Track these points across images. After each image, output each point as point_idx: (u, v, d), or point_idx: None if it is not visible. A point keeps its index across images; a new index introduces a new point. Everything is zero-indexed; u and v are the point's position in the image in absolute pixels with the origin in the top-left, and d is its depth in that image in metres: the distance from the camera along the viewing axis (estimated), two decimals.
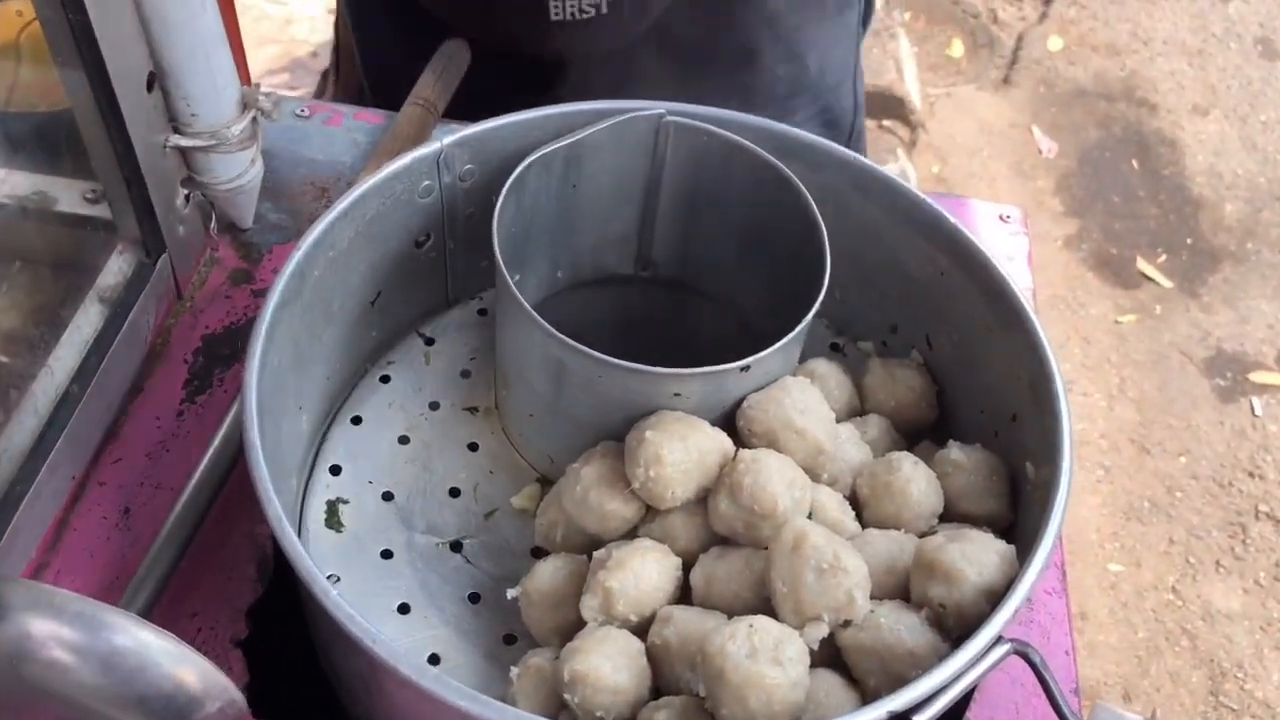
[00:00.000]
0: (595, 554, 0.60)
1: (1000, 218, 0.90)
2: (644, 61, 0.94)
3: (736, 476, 0.58)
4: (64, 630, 0.50)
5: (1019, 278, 0.85)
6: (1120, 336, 2.21)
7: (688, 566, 0.60)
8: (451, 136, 0.68)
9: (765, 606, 0.56)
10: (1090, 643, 1.82)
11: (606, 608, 0.57)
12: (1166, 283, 2.29)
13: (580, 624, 0.58)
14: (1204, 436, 2.07)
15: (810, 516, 0.60)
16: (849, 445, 0.66)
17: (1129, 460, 2.04)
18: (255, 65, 2.33)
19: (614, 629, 0.57)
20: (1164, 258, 2.33)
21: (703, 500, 0.61)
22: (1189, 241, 2.37)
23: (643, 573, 0.58)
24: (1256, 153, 2.54)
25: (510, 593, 0.61)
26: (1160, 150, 2.54)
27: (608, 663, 0.54)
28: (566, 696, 0.54)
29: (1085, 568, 1.90)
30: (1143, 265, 2.31)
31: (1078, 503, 1.97)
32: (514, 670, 0.58)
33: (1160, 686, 1.78)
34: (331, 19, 1.72)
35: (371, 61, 1.10)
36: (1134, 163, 2.51)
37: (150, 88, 0.67)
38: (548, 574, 0.61)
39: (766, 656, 0.52)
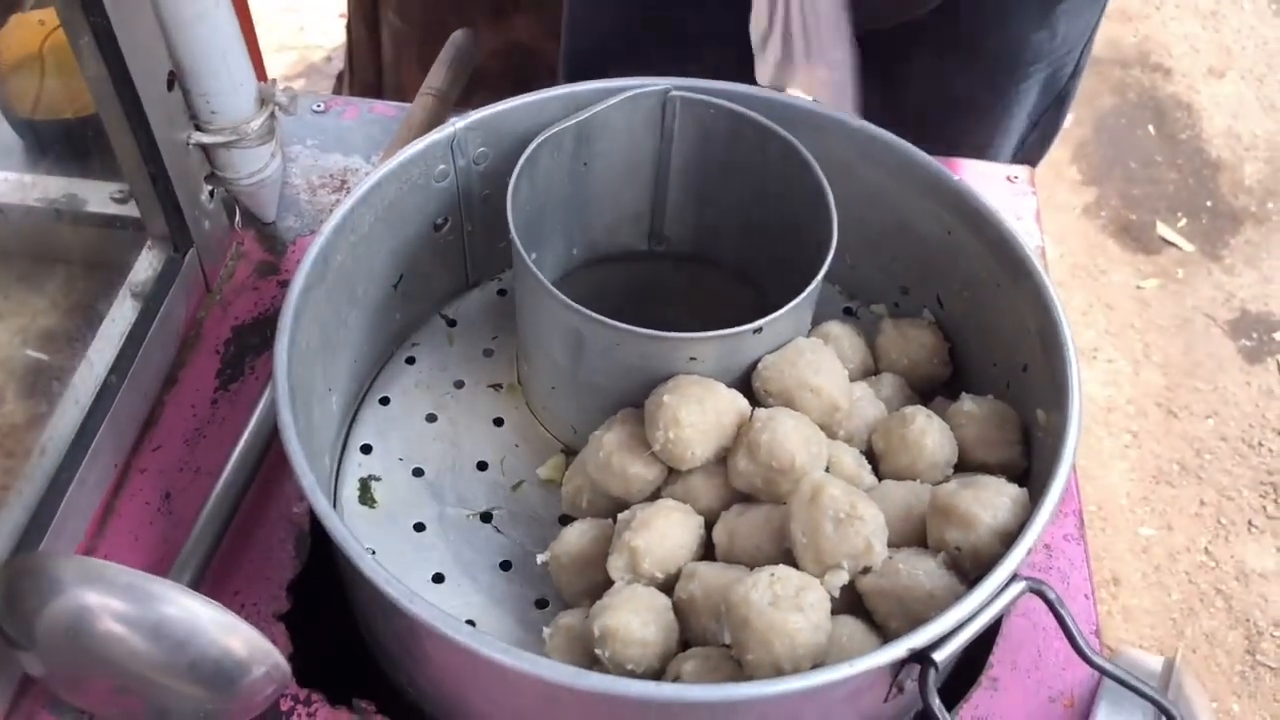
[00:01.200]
0: (620, 516, 0.62)
1: (1008, 178, 0.91)
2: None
3: (754, 435, 0.60)
4: (115, 602, 0.53)
5: (1029, 236, 0.86)
6: (1143, 302, 2.20)
7: (709, 525, 0.62)
8: (464, 120, 0.70)
9: (787, 559, 0.58)
10: (1124, 607, 1.82)
11: (633, 566, 0.59)
12: (1188, 246, 2.28)
13: (608, 584, 0.60)
14: (1231, 397, 2.06)
15: (828, 469, 0.62)
16: (864, 403, 0.67)
17: (1156, 424, 2.04)
18: (273, 71, 2.36)
19: (641, 586, 0.59)
20: (1184, 222, 2.32)
21: (722, 460, 0.63)
22: (1209, 204, 2.36)
23: (667, 531, 0.60)
24: (1275, 112, 2.53)
25: (540, 558, 0.63)
26: (1176, 114, 2.53)
27: (636, 618, 0.56)
28: (598, 651, 0.56)
29: (1116, 533, 1.90)
30: (1163, 230, 2.31)
31: (1106, 468, 1.97)
32: (546, 630, 0.60)
33: (1196, 648, 1.78)
34: (343, 23, 1.74)
35: (579, 46, 1.11)
36: (1150, 128, 2.50)
37: (170, 87, 0.70)
38: (575, 538, 0.62)
39: (789, 603, 0.53)
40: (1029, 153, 1.09)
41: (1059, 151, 2.43)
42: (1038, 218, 0.87)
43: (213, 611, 0.54)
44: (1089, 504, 1.91)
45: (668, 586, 0.60)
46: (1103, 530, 1.89)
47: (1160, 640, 1.78)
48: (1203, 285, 2.22)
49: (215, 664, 0.54)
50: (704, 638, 0.58)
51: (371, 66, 1.68)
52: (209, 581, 0.65)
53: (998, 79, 0.98)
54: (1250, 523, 1.92)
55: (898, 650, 0.50)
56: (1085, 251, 2.28)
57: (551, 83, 0.72)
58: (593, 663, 0.58)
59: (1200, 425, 2.03)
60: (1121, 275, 2.24)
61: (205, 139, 0.74)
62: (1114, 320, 2.18)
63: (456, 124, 0.69)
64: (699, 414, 0.60)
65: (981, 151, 0.99)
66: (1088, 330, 2.14)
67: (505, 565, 0.67)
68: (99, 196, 0.75)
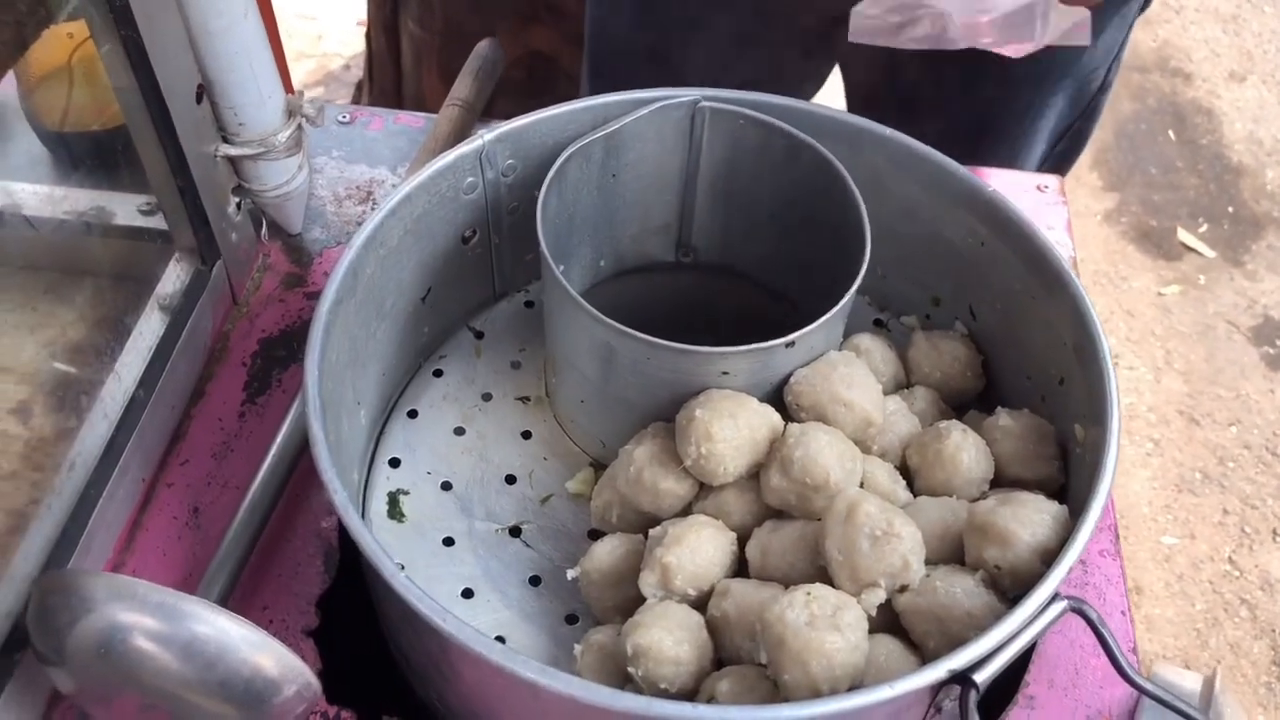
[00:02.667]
0: (651, 532, 0.61)
1: (1038, 188, 0.90)
2: None
3: (787, 450, 0.60)
4: (147, 620, 0.52)
5: (1060, 246, 0.85)
6: (1164, 309, 2.19)
7: (742, 541, 0.61)
8: (492, 133, 0.69)
9: (820, 576, 0.57)
10: (1147, 616, 1.81)
11: (665, 583, 0.58)
12: (1209, 252, 2.26)
13: (640, 600, 0.59)
14: (1254, 405, 2.05)
15: (862, 485, 0.61)
16: (897, 417, 0.67)
17: (1178, 432, 2.02)
18: (292, 80, 2.37)
19: (673, 603, 0.58)
20: (1205, 227, 2.31)
21: (754, 476, 0.62)
22: (1230, 210, 2.34)
23: (699, 548, 0.59)
24: None
25: (570, 574, 0.63)
26: (1197, 120, 2.51)
27: (669, 636, 0.56)
28: (631, 670, 0.55)
29: (1139, 542, 1.89)
30: (1184, 236, 2.29)
31: (1128, 477, 1.96)
32: (577, 648, 0.59)
33: (1221, 658, 1.77)
34: (362, 31, 1.74)
35: (601, 48, 1.10)
36: (1171, 133, 2.48)
37: (199, 100, 0.69)
38: (605, 553, 0.62)
39: (825, 622, 0.53)
40: (1055, 164, 1.09)
41: (1080, 157, 2.42)
42: (1069, 228, 0.87)
43: (244, 630, 0.53)
44: None
45: (700, 603, 0.59)
46: (1125, 539, 1.88)
47: (1184, 650, 1.77)
48: (1224, 291, 2.20)
49: (246, 682, 0.53)
50: (738, 655, 0.57)
51: (391, 74, 1.68)
52: (237, 597, 0.65)
53: (1025, 96, 0.98)
54: (1275, 531, 1.90)
55: (938, 671, 0.49)
56: (1106, 258, 2.27)
57: (572, 90, 0.72)
58: (625, 681, 0.57)
59: (1223, 433, 2.02)
60: (1142, 282, 2.23)
61: (233, 151, 0.74)
62: (1135, 327, 2.17)
63: (485, 136, 0.69)
64: (731, 429, 0.60)
65: (1005, 164, 0.98)
66: (1109, 337, 2.12)
67: (535, 580, 0.66)
68: (126, 209, 0.75)
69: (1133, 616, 0.68)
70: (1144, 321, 2.17)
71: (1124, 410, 2.03)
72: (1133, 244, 2.29)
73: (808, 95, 1.09)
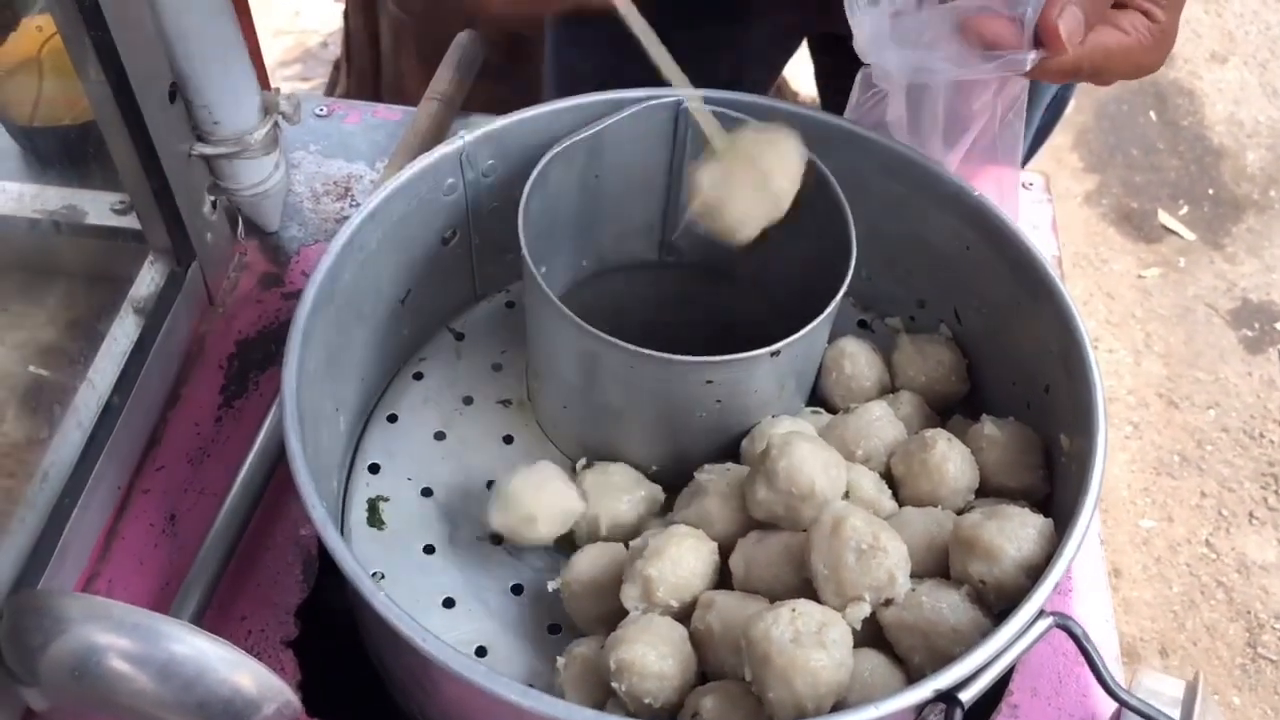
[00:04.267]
0: (632, 543, 0.61)
1: (1024, 185, 0.89)
2: None
3: (770, 463, 0.59)
4: (122, 641, 0.51)
5: (1044, 245, 0.85)
6: (1144, 291, 2.19)
7: (724, 551, 0.61)
8: (472, 134, 0.68)
9: (805, 589, 0.57)
10: (1125, 599, 1.82)
11: (647, 595, 0.58)
12: (1189, 235, 2.27)
13: (623, 610, 0.59)
14: (1232, 388, 2.06)
15: (847, 496, 0.61)
16: (884, 422, 0.66)
17: (1157, 415, 2.03)
18: (268, 57, 2.33)
19: (657, 616, 0.58)
20: (1186, 210, 2.31)
21: (738, 487, 0.62)
22: (1211, 192, 2.35)
23: (680, 559, 0.59)
24: (1278, 99, 2.51)
25: (551, 585, 0.62)
26: (1178, 101, 2.51)
27: (652, 650, 0.55)
28: (614, 685, 0.55)
29: (1117, 525, 1.90)
30: (1164, 218, 2.30)
31: (1107, 460, 1.97)
32: (560, 660, 0.59)
33: (1197, 640, 1.78)
34: (340, 8, 1.71)
35: (565, 63, 1.07)
36: (1152, 114, 2.48)
37: (173, 99, 0.68)
38: (586, 565, 0.61)
39: (810, 639, 0.52)
40: (1034, 144, 1.07)
41: (1060, 138, 2.41)
42: (1054, 227, 0.86)
43: (221, 649, 0.53)
44: None
45: (683, 614, 0.59)
46: (1103, 522, 1.89)
47: (1161, 633, 1.78)
48: (1204, 274, 2.21)
49: (225, 702, 0.52)
50: (722, 670, 0.57)
51: (369, 55, 1.66)
52: (215, 608, 0.64)
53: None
54: (1251, 514, 1.92)
55: (924, 691, 0.49)
56: (1086, 240, 2.27)
57: None
58: (609, 694, 0.57)
59: (1201, 416, 2.03)
60: (1123, 264, 2.23)
61: (208, 150, 0.72)
62: (1115, 310, 2.17)
63: (465, 138, 0.68)
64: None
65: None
66: (1089, 320, 2.13)
67: (517, 589, 0.66)
68: (99, 208, 0.74)
69: (1115, 622, 0.68)
70: (1124, 304, 2.18)
71: (1103, 393, 2.04)
72: (1113, 226, 2.29)
73: (777, 69, 1.08)
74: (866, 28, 0.62)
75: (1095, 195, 2.34)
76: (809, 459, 0.58)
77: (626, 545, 0.62)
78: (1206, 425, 2.02)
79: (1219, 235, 2.27)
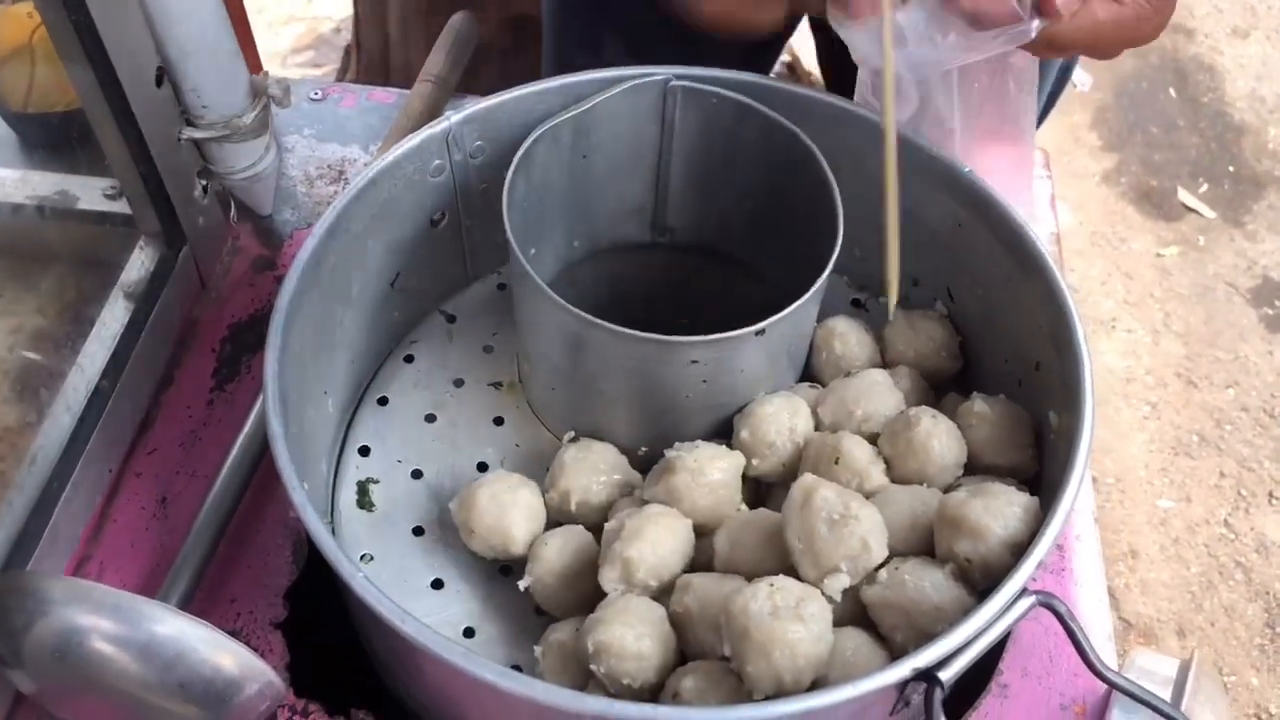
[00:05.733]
0: (608, 526, 0.61)
1: None
2: None
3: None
4: (103, 622, 0.52)
5: (1042, 221, 0.84)
6: (1163, 270, 2.17)
7: (699, 531, 0.61)
8: (459, 114, 0.68)
9: (791, 572, 0.57)
10: (1142, 580, 1.81)
11: (627, 577, 0.58)
12: (1209, 213, 2.24)
13: (599, 593, 0.58)
14: (1252, 367, 2.03)
15: (838, 463, 0.61)
16: (882, 389, 0.66)
17: (1176, 395, 2.01)
18: (280, 44, 2.34)
19: (634, 597, 0.57)
20: (1206, 187, 2.28)
21: (706, 464, 0.62)
22: (1231, 169, 2.31)
23: (659, 539, 0.58)
24: None
25: (522, 584, 0.61)
26: (1199, 77, 2.48)
27: (630, 631, 0.55)
28: (593, 667, 0.55)
29: (1134, 505, 1.88)
30: (1184, 196, 2.27)
31: (1125, 440, 1.95)
32: (537, 649, 0.59)
33: (1215, 621, 1.77)
34: None
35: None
36: (1172, 91, 2.45)
37: (159, 83, 0.68)
38: (554, 555, 0.61)
39: (789, 613, 0.52)
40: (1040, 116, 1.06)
41: (1078, 116, 2.39)
42: (1052, 203, 0.85)
43: (202, 630, 0.53)
44: (1107, 476, 1.89)
45: (662, 594, 0.59)
46: (1120, 503, 1.87)
47: (1179, 614, 1.77)
48: (1224, 253, 2.18)
49: (206, 683, 0.53)
50: (702, 650, 0.56)
51: (378, 41, 1.66)
52: (205, 589, 0.64)
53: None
54: (1271, 494, 1.89)
55: (902, 670, 0.49)
56: (1105, 219, 2.24)
57: None
58: (588, 678, 0.57)
59: (1220, 395, 2.00)
60: (1141, 243, 2.21)
61: (197, 134, 0.72)
62: (1133, 289, 2.15)
63: (452, 118, 0.67)
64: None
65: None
66: (1106, 300, 2.11)
67: (505, 570, 0.65)
68: (90, 193, 0.74)
69: (1118, 583, 0.67)
70: (1142, 284, 2.15)
71: (1121, 373, 2.02)
72: (1132, 204, 2.27)
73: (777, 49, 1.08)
74: (860, 38, 0.62)
75: (1114, 174, 2.31)
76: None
77: (589, 528, 0.62)
78: (1226, 405, 2.00)
79: (1239, 213, 2.24)
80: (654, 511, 0.59)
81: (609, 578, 0.58)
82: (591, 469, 0.64)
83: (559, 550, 0.61)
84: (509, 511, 0.61)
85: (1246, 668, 1.72)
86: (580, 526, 0.62)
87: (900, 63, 0.62)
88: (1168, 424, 1.98)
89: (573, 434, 0.67)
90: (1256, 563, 1.83)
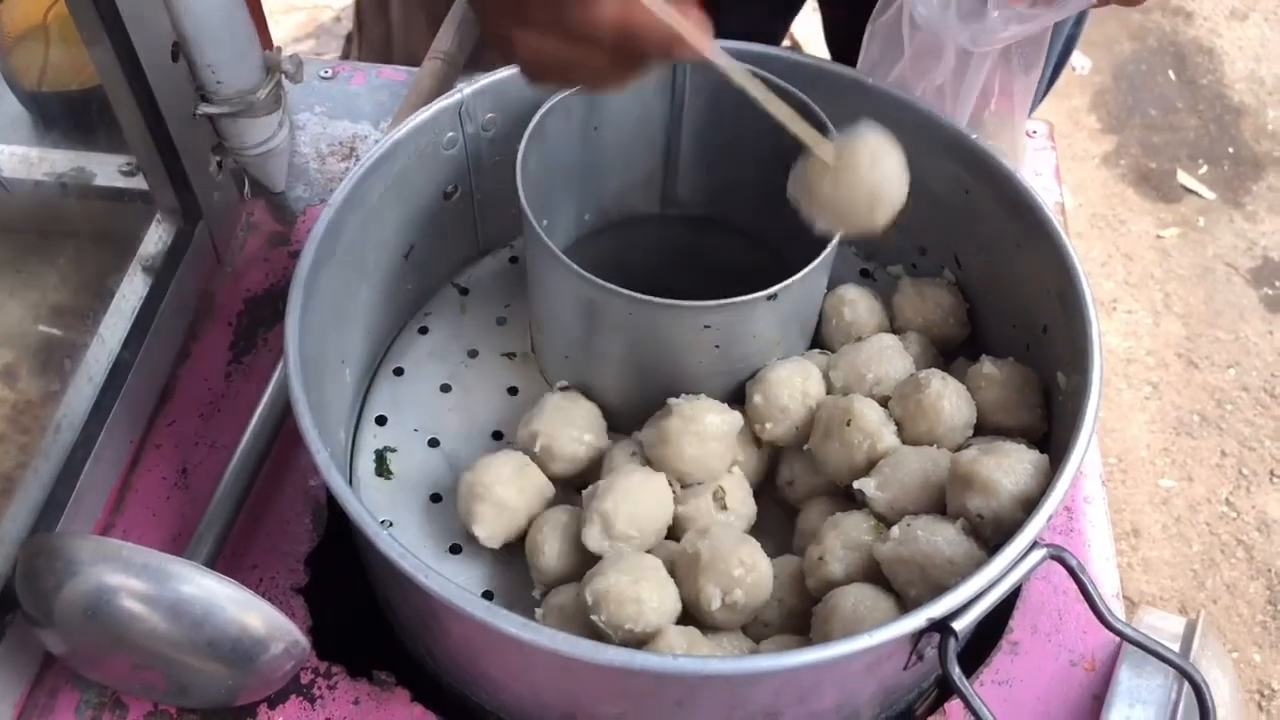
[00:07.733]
0: (584, 492, 0.62)
1: (1028, 133, 0.89)
2: None
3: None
4: (133, 581, 0.53)
5: (1047, 191, 0.85)
6: (1163, 251, 2.18)
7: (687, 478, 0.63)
8: (471, 87, 0.69)
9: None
10: (1145, 559, 1.82)
11: (607, 529, 0.59)
12: (1209, 194, 2.25)
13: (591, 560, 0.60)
14: (1253, 347, 2.04)
15: (850, 425, 0.61)
16: (893, 353, 0.67)
17: (1177, 375, 2.02)
18: (281, 32, 2.34)
19: (627, 550, 0.59)
20: (1205, 169, 2.29)
21: (701, 410, 0.63)
22: (1230, 151, 2.32)
23: (630, 490, 0.60)
24: None
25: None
26: (1198, 59, 2.48)
27: (626, 575, 0.56)
28: (594, 618, 0.56)
29: (1136, 485, 1.89)
30: (1183, 178, 2.27)
31: (1127, 420, 1.96)
32: (538, 612, 0.60)
33: (1217, 599, 1.78)
34: None
35: None
36: (1171, 73, 2.45)
37: (175, 58, 0.69)
38: (553, 556, 0.62)
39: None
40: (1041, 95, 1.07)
41: (1078, 99, 2.39)
42: (1057, 173, 0.86)
43: (230, 589, 0.54)
44: (1109, 456, 1.90)
45: (647, 546, 0.61)
46: (1123, 483, 1.88)
47: (1181, 592, 1.78)
48: (1224, 234, 2.19)
49: (234, 641, 0.54)
50: (696, 600, 0.58)
51: (380, 26, 1.66)
52: (226, 556, 0.65)
53: None
54: (1272, 473, 1.90)
55: (917, 620, 0.50)
56: (1104, 201, 2.25)
57: None
58: (591, 634, 0.57)
59: (1221, 375, 2.01)
60: (1141, 225, 2.21)
61: (212, 110, 0.73)
62: (1134, 271, 2.15)
63: (464, 90, 0.68)
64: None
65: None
66: (1107, 281, 2.12)
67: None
68: (107, 170, 0.75)
69: (1120, 561, 0.68)
70: (1143, 265, 2.16)
71: (1122, 354, 2.03)
72: (1132, 186, 2.27)
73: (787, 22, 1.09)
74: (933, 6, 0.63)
75: (1113, 156, 2.32)
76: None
77: (551, 477, 0.64)
78: (1226, 385, 2.00)
79: (1239, 194, 2.25)
80: (624, 468, 0.61)
81: (591, 535, 0.59)
82: (567, 420, 0.65)
83: (553, 547, 0.62)
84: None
85: (1249, 645, 1.73)
86: (551, 509, 0.63)
87: (965, 35, 0.63)
88: (1169, 404, 1.99)
89: (564, 384, 0.68)
90: (1258, 541, 1.84)
